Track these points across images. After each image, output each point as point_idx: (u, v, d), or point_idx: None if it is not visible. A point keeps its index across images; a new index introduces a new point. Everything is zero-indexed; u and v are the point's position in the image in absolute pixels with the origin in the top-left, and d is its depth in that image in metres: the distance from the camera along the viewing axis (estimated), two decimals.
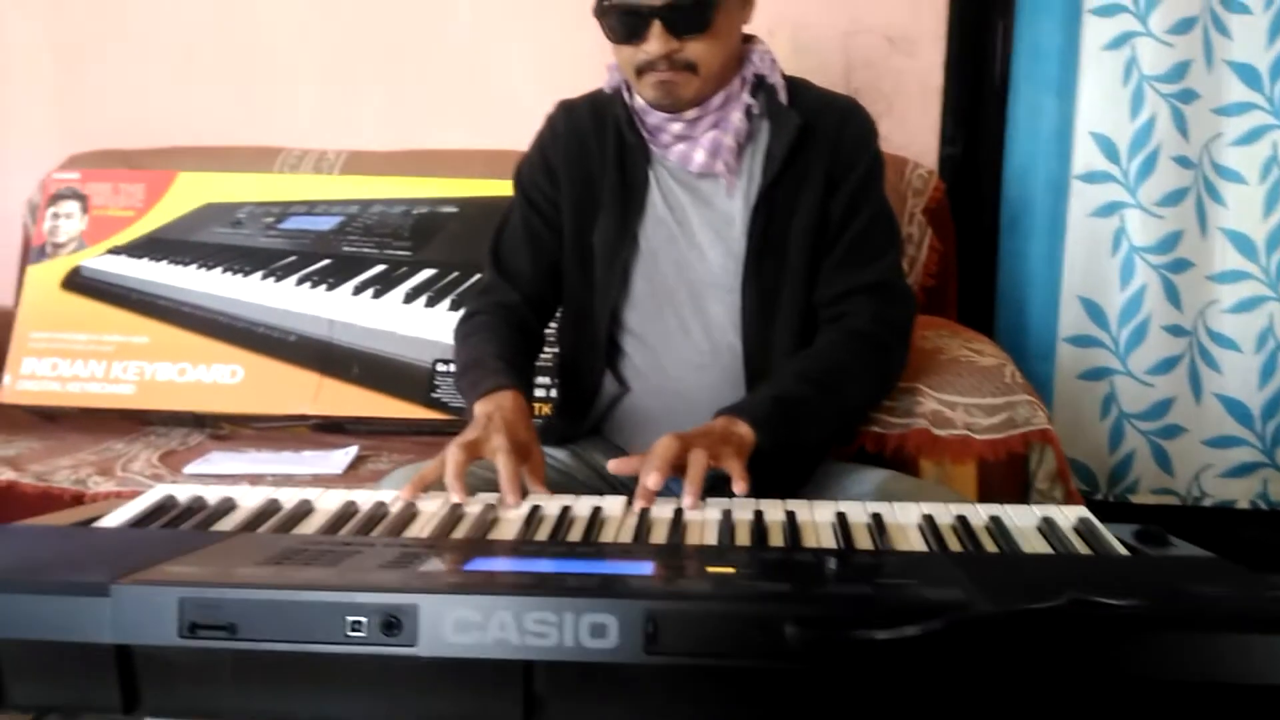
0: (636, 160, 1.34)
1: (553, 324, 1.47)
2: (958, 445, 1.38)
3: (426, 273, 1.94)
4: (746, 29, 1.33)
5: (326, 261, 1.96)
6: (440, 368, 1.86)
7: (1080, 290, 2.06)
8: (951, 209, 2.04)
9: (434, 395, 1.85)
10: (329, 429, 1.89)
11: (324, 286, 1.94)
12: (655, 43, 1.21)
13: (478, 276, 1.90)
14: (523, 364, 1.31)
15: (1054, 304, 2.08)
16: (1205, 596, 0.71)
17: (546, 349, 1.82)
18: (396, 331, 1.89)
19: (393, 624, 0.70)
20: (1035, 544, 0.91)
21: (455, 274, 1.93)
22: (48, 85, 2.37)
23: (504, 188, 1.95)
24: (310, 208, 2.01)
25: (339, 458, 1.70)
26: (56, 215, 2.05)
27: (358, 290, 1.93)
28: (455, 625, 0.70)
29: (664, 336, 1.34)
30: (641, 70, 1.24)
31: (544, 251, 1.39)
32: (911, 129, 2.13)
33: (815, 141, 1.30)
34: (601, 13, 1.24)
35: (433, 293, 1.91)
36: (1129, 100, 1.98)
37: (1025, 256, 2.08)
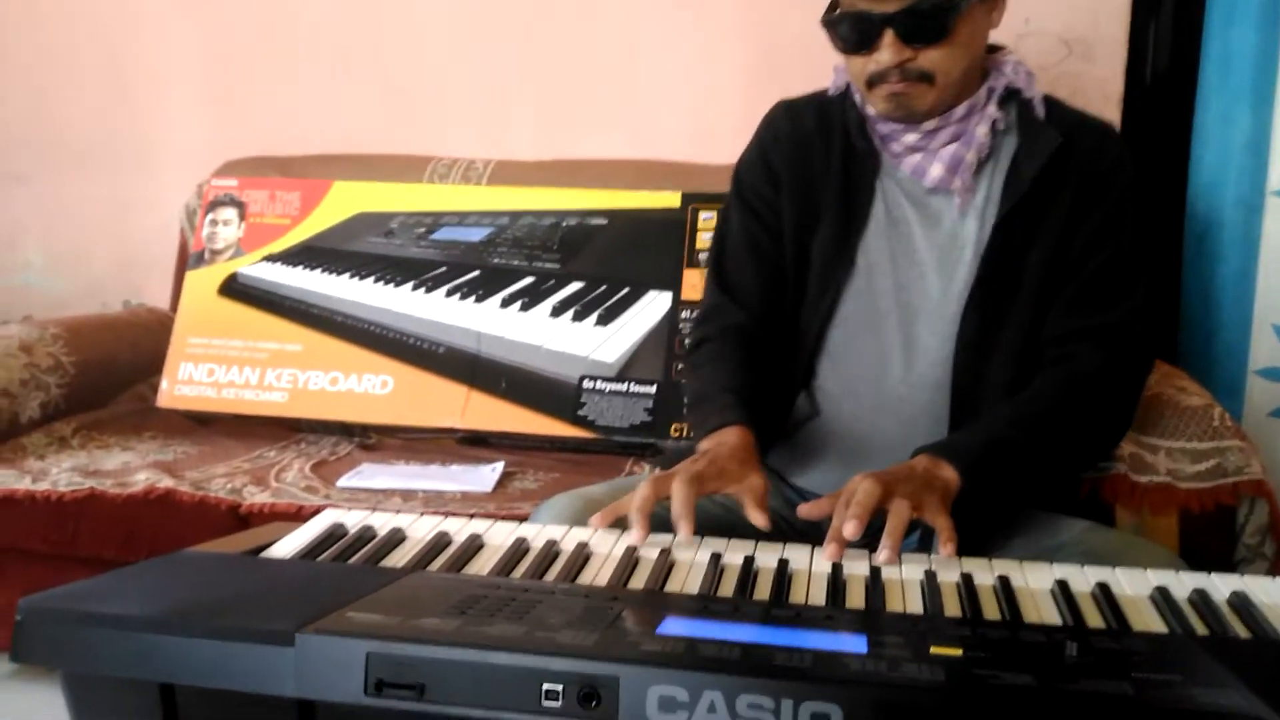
0: (864, 168, 1.25)
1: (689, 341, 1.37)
2: (1159, 494, 1.26)
3: (574, 285, 1.90)
4: (994, 36, 1.23)
5: (476, 273, 1.95)
6: (587, 384, 1.82)
7: (1276, 317, 1.88)
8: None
9: (580, 413, 1.81)
10: (474, 442, 1.87)
11: (473, 298, 1.92)
12: (887, 52, 1.13)
13: (625, 291, 1.87)
14: (752, 393, 1.20)
15: (1245, 332, 1.91)
16: None
17: None
18: (544, 346, 1.85)
19: (591, 696, 0.65)
20: None
21: (604, 287, 1.89)
22: (205, 91, 2.43)
23: (653, 199, 1.93)
24: (461, 219, 2.00)
25: (487, 474, 1.67)
26: (214, 222, 2.09)
27: (506, 303, 1.91)
28: (659, 703, 0.64)
29: (865, 362, 1.24)
30: (873, 82, 1.16)
31: (768, 262, 1.29)
32: None
33: (1067, 164, 1.19)
34: (831, 22, 1.16)
35: (580, 306, 1.87)
36: None
37: (1214, 279, 1.92)
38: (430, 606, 0.75)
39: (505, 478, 1.69)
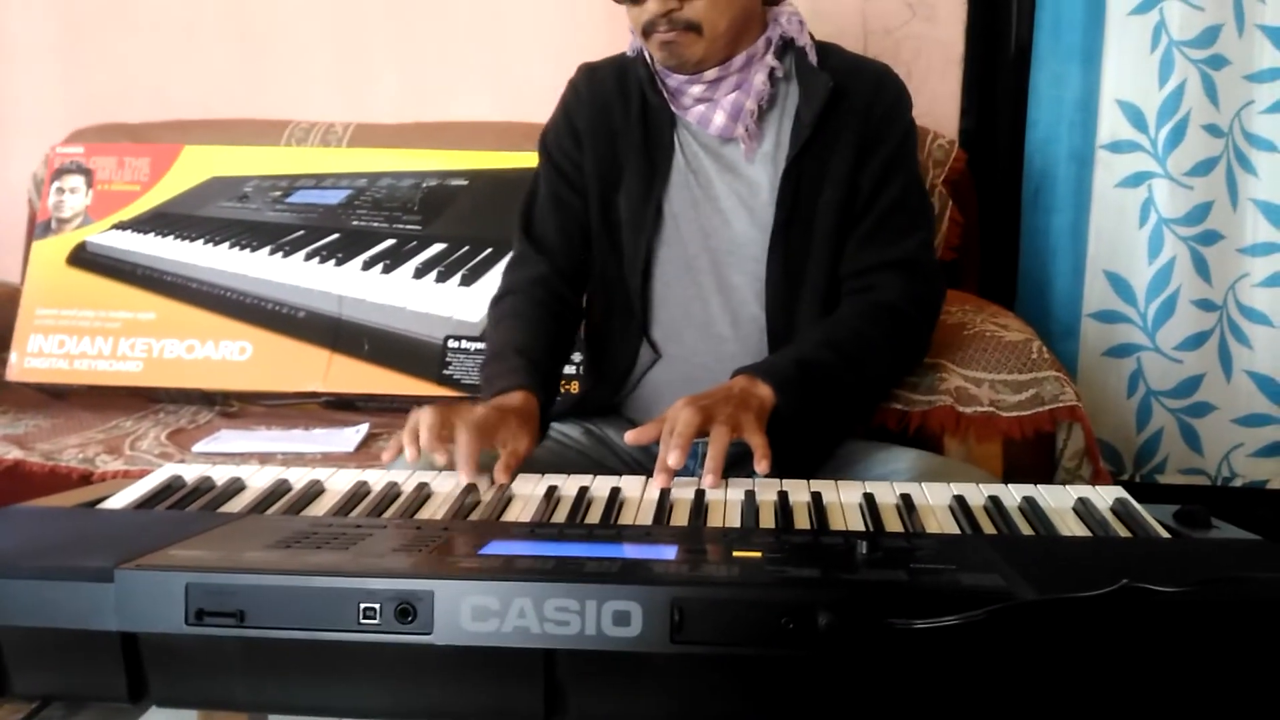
0: (660, 123, 1.31)
1: None
2: (983, 423, 1.34)
3: (437, 247, 1.91)
4: None
5: (335, 236, 1.93)
6: (452, 344, 1.83)
7: (1106, 264, 2.01)
8: (975, 181, 1.99)
9: (445, 372, 1.82)
10: (340, 406, 1.87)
11: (333, 261, 1.91)
12: (654, 2, 1.19)
13: (489, 251, 1.88)
14: (544, 353, 1.26)
15: (1079, 278, 2.03)
16: (1257, 581, 0.68)
17: None
18: (407, 307, 1.85)
19: (407, 611, 0.68)
20: (1072, 526, 0.88)
21: (466, 248, 1.90)
22: (51, 57, 2.34)
23: (515, 159, 1.93)
24: (318, 181, 1.98)
25: (350, 435, 1.67)
26: (61, 190, 2.02)
27: (367, 265, 1.90)
28: (472, 612, 0.67)
29: (685, 305, 1.31)
30: (647, 31, 1.22)
31: (573, 218, 1.35)
32: (931, 98, 2.07)
33: (847, 107, 1.26)
34: None
35: (443, 268, 1.88)
36: (1157, 67, 1.92)
37: (1048, 230, 2.03)
38: (255, 542, 0.77)
39: (370, 439, 1.69)
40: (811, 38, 1.30)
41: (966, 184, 1.97)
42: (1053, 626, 0.64)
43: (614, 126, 1.33)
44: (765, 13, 1.29)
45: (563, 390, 1.80)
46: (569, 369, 1.81)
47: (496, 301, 1.36)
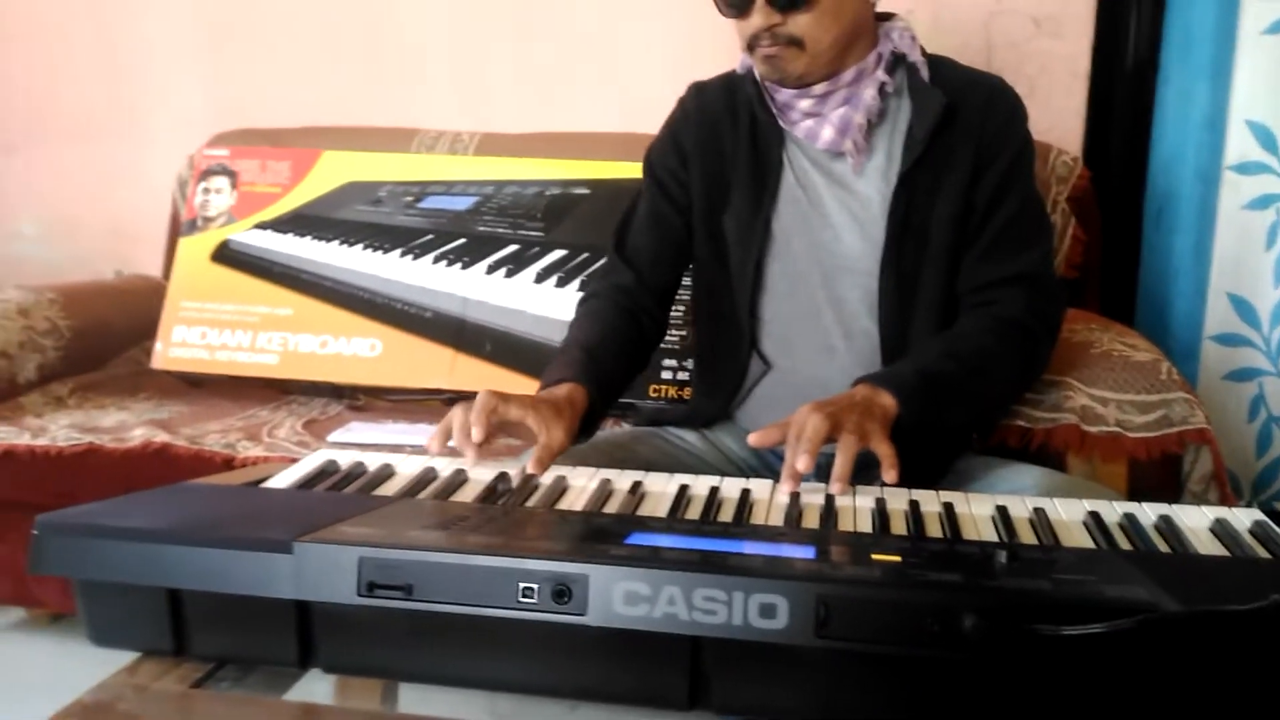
0: (769, 140, 1.32)
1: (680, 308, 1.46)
2: (1109, 443, 1.33)
3: (557, 253, 1.96)
4: (886, 5, 1.30)
5: (462, 240, 2.00)
6: None
7: (1230, 287, 1.95)
8: (1099, 198, 1.97)
9: None
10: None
11: (459, 265, 1.98)
12: (758, 16, 1.20)
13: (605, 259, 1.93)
14: (611, 355, 1.29)
15: (1201, 300, 1.97)
16: None
17: (676, 331, 1.84)
18: (527, 311, 1.91)
19: (563, 592, 0.72)
20: (1208, 545, 0.87)
21: (585, 255, 1.95)
22: (196, 64, 2.47)
23: (635, 169, 1.95)
24: (448, 188, 2.05)
25: None
26: (207, 190, 2.13)
27: (491, 269, 1.96)
28: (624, 597, 0.71)
29: (795, 319, 1.32)
30: (751, 45, 1.24)
31: (669, 236, 1.38)
32: (1055, 114, 2.06)
33: (960, 122, 1.26)
34: None
35: (563, 273, 1.93)
36: None
37: (1171, 250, 1.99)
38: (417, 522, 0.82)
39: None
40: (924, 52, 1.30)
41: (1090, 201, 1.94)
42: (1200, 640, 0.65)
43: (722, 144, 1.35)
44: (876, 27, 1.30)
45: (674, 396, 1.84)
46: (683, 375, 1.84)
47: (579, 303, 1.39)
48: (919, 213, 1.26)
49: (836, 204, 1.29)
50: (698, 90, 1.41)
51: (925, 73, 1.28)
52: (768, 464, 1.36)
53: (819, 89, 1.26)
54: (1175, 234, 1.98)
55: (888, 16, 1.32)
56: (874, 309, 1.28)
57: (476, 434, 1.07)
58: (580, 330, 1.32)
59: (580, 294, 1.42)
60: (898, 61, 1.29)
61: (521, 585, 0.72)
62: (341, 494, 0.97)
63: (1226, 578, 0.76)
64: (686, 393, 1.82)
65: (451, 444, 1.10)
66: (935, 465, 1.26)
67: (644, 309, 1.37)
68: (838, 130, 1.26)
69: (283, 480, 1.01)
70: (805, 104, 1.27)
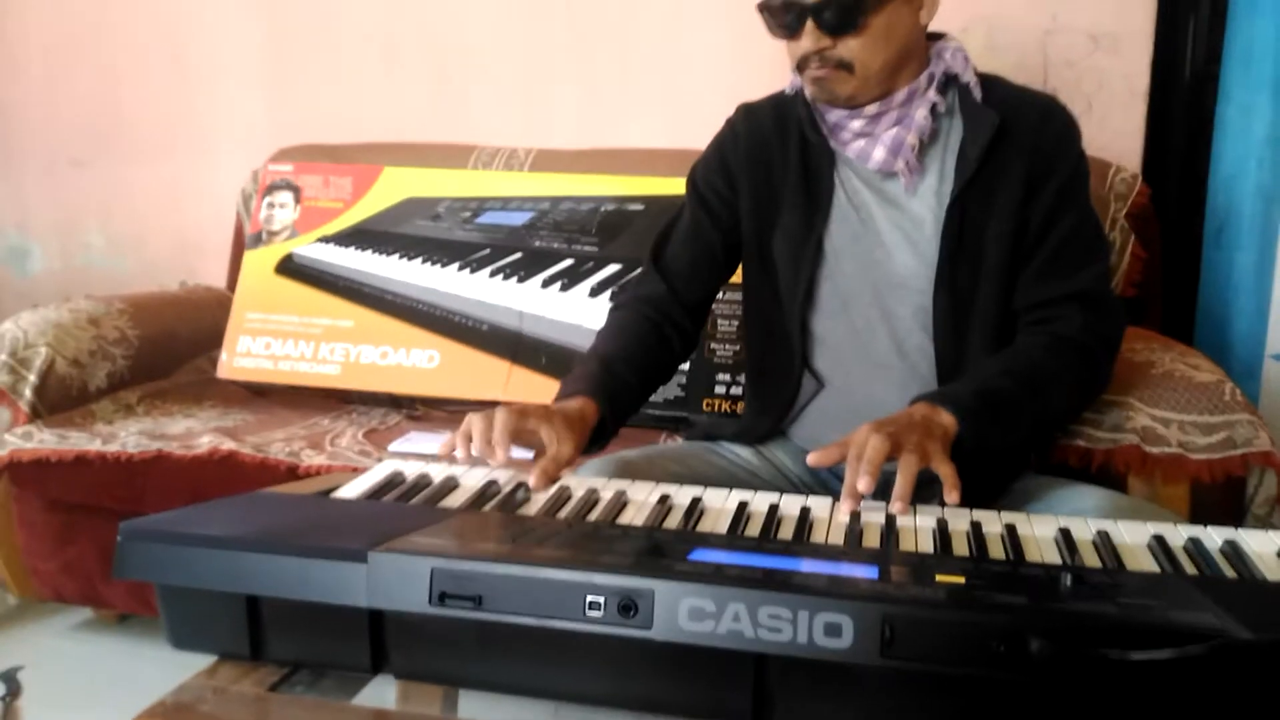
0: (820, 161, 1.33)
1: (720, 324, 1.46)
2: (1171, 464, 1.31)
3: (612, 268, 1.98)
4: (939, 25, 1.30)
5: (518, 255, 2.03)
6: None
7: None
8: (1159, 215, 1.95)
9: None
10: None
11: (515, 279, 2.01)
12: (808, 39, 1.21)
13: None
14: (631, 367, 1.31)
15: (1262, 319, 1.94)
16: None
17: (730, 346, 1.85)
18: (583, 325, 1.93)
19: (629, 606, 0.73)
20: (1276, 571, 0.86)
21: (640, 270, 1.96)
22: (259, 82, 2.54)
23: None
24: (504, 203, 2.09)
25: None
26: (271, 205, 2.19)
27: (546, 284, 1.99)
28: (689, 613, 0.72)
29: (848, 337, 1.33)
30: (801, 66, 1.25)
31: (706, 251, 1.40)
32: (1114, 130, 2.04)
33: (1013, 141, 1.26)
34: (763, 7, 1.25)
35: (617, 288, 1.95)
36: None
37: (1231, 268, 1.96)
38: (486, 534, 0.84)
39: None
40: (976, 72, 1.30)
41: (1149, 219, 1.92)
42: (1270, 668, 0.65)
43: (771, 164, 1.35)
44: (928, 47, 1.30)
45: (727, 410, 1.85)
46: (736, 390, 1.85)
47: (610, 312, 1.41)
48: (972, 231, 1.26)
49: (889, 223, 1.30)
50: (746, 112, 1.42)
51: (978, 92, 1.28)
52: (822, 481, 1.37)
53: (871, 109, 1.26)
54: (1236, 251, 1.96)
55: (939, 36, 1.32)
56: (928, 327, 1.28)
57: (500, 456, 1.10)
58: (603, 341, 1.34)
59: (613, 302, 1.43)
60: (949, 81, 1.30)
61: (589, 598, 0.73)
62: (409, 505, 1.00)
63: None
64: (739, 407, 1.83)
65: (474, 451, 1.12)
66: (994, 485, 1.25)
67: (673, 322, 1.38)
68: (890, 150, 1.27)
69: (352, 490, 1.04)
70: (857, 124, 1.28)
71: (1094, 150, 2.00)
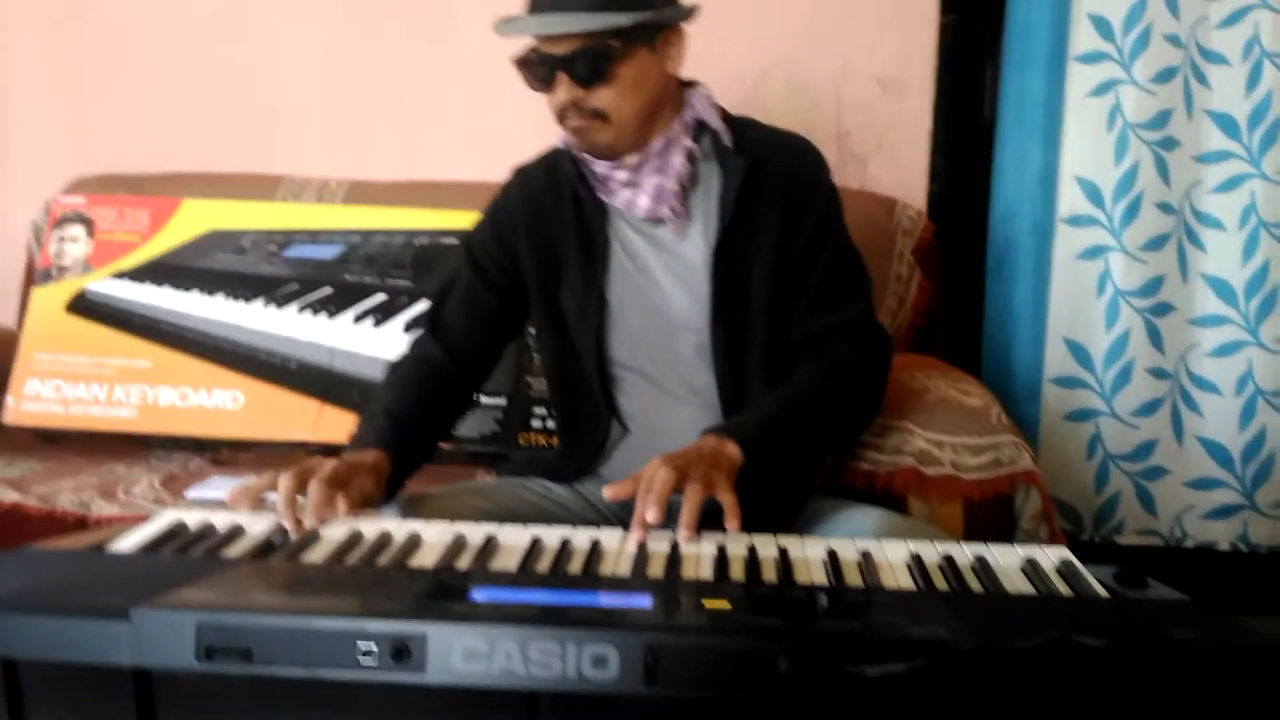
0: (594, 215, 1.36)
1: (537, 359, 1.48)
2: (945, 484, 1.41)
3: (426, 303, 1.97)
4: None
5: (328, 290, 2.00)
6: None
7: (1066, 332, 2.10)
8: (942, 250, 2.09)
9: None
10: (329, 455, 1.91)
11: (325, 314, 1.97)
12: (562, 91, 1.25)
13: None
14: (414, 422, 1.33)
15: (1040, 345, 2.11)
16: (1177, 640, 0.75)
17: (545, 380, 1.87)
18: None
19: (402, 651, 0.73)
20: (1019, 584, 0.94)
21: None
22: (53, 108, 2.41)
23: None
24: (313, 237, 2.05)
25: None
26: (62, 239, 2.08)
27: (358, 319, 1.96)
28: (463, 654, 0.73)
29: (644, 381, 1.37)
30: (561, 118, 1.28)
31: (481, 316, 1.41)
32: (901, 170, 2.18)
33: (767, 184, 1.31)
34: (519, 62, 1.27)
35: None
36: (1113, 146, 2.03)
37: (1011, 298, 2.13)
38: (261, 584, 0.83)
39: None
40: (724, 117, 1.34)
41: (934, 253, 2.06)
42: (990, 677, 0.71)
43: (549, 224, 1.38)
44: (681, 94, 1.34)
45: (543, 444, 1.87)
46: (551, 424, 1.87)
47: (389, 370, 1.42)
48: (739, 272, 1.32)
49: (663, 268, 1.34)
50: (520, 174, 1.44)
51: (727, 138, 1.32)
52: (633, 511, 1.40)
53: (631, 160, 1.30)
54: (1015, 283, 2.12)
55: (691, 84, 1.37)
56: (709, 363, 1.33)
57: (313, 521, 1.08)
58: (385, 396, 1.35)
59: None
60: (703, 128, 1.34)
61: (361, 645, 0.74)
62: (187, 556, 0.97)
63: (1026, 616, 0.83)
64: (554, 441, 1.85)
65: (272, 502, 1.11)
66: (786, 508, 1.32)
67: (451, 383, 1.39)
68: (653, 198, 1.31)
69: (128, 543, 1.00)
70: (621, 175, 1.31)
71: (883, 188, 2.15)
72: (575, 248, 1.36)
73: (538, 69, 1.26)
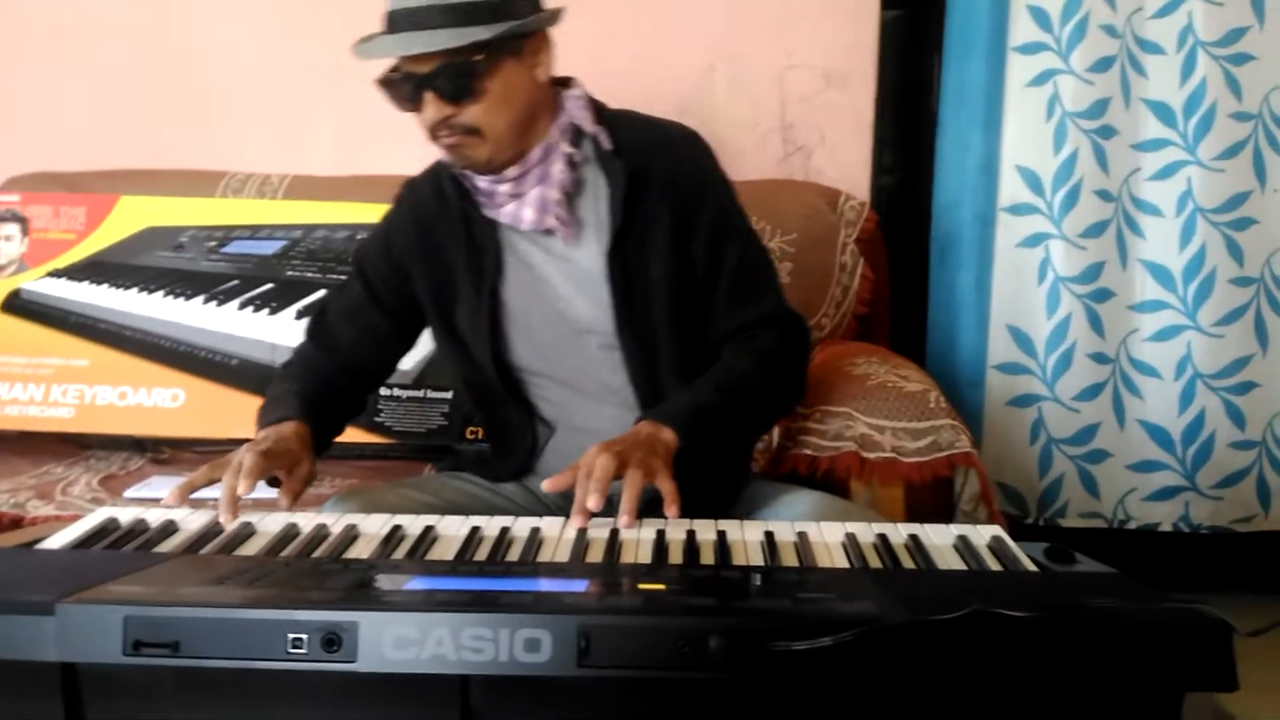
0: (483, 229, 1.32)
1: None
2: (886, 468, 1.43)
3: None
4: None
5: (269, 286, 1.98)
6: (384, 392, 1.88)
7: (1008, 319, 2.13)
8: (886, 239, 2.11)
9: (377, 419, 1.87)
10: None
11: (266, 311, 1.95)
12: (430, 109, 1.20)
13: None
14: (321, 402, 1.33)
15: (983, 332, 2.14)
16: (1098, 608, 0.76)
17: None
18: None
19: (333, 641, 0.73)
20: (950, 560, 0.96)
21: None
22: None
23: None
24: (253, 232, 2.03)
25: None
26: None
27: (300, 315, 1.94)
28: (394, 642, 0.73)
29: (560, 385, 1.35)
30: (433, 136, 1.23)
31: (368, 330, 1.40)
32: (845, 161, 2.20)
33: (653, 184, 1.27)
34: (383, 82, 1.23)
35: None
36: (1052, 135, 2.06)
37: (954, 286, 2.15)
38: (190, 578, 0.82)
39: None
40: (601, 115, 1.31)
41: (877, 243, 2.08)
42: (914, 648, 0.72)
43: (440, 242, 1.34)
44: (557, 96, 1.30)
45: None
46: None
47: (281, 370, 1.43)
48: (638, 275, 1.28)
49: (561, 276, 1.31)
50: (410, 188, 1.41)
51: (605, 140, 1.28)
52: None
53: (511, 172, 1.25)
54: (958, 271, 2.15)
55: (566, 82, 1.32)
56: (620, 365, 1.31)
57: (245, 488, 1.10)
58: (288, 381, 1.36)
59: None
60: (580, 131, 1.30)
61: (290, 636, 0.73)
62: (118, 553, 0.96)
63: (956, 590, 0.84)
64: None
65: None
66: (725, 492, 1.32)
67: (344, 388, 1.40)
68: (537, 209, 1.26)
69: (58, 540, 0.99)
70: (504, 188, 1.27)
71: (827, 180, 2.17)
72: (467, 262, 1.32)
73: (402, 89, 1.21)
